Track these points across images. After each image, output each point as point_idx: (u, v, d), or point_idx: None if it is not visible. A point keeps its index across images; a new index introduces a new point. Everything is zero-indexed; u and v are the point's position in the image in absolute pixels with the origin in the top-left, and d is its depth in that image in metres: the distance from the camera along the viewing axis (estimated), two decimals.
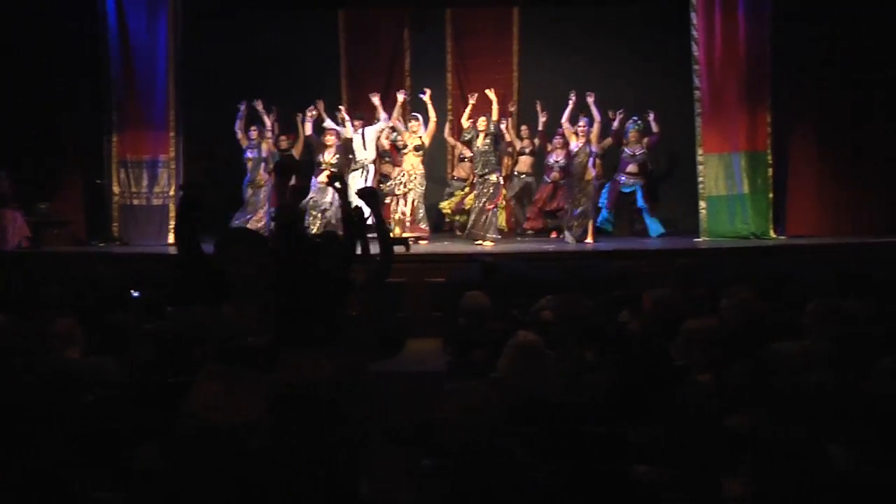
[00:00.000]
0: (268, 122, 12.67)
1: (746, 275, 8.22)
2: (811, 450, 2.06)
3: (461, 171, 13.54)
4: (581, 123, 12.37)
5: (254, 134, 12.63)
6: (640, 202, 13.26)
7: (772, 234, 12.55)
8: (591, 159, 12.34)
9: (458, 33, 14.53)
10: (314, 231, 11.41)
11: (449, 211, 13.47)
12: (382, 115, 12.53)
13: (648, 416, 3.74)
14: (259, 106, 12.60)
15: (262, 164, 12.64)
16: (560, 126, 12.68)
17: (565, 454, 3.62)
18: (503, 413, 3.19)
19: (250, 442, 2.68)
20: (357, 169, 12.45)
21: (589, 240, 12.29)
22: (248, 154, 12.68)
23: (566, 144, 12.59)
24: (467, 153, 13.16)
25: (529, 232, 13.44)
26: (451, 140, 13.55)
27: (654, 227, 13.19)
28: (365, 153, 12.51)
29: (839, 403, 3.60)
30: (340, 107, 13.05)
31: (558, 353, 5.03)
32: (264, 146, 12.66)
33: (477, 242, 12.14)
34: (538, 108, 13.25)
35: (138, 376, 4.74)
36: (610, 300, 7.23)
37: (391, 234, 11.67)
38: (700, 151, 12.67)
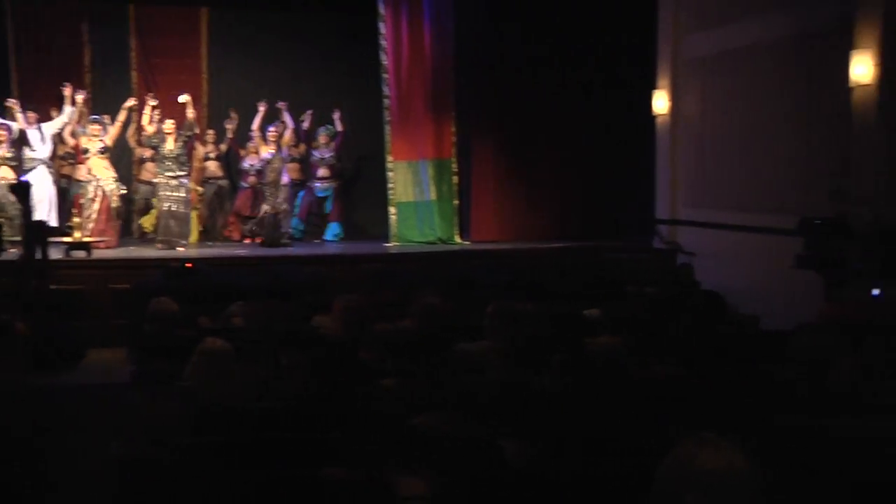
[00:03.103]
0: None
1: (434, 279, 8.57)
2: (488, 447, 2.17)
3: (145, 173, 12.93)
4: (271, 129, 12.42)
5: None
6: (329, 208, 13.40)
7: (457, 239, 13.09)
8: (284, 165, 12.49)
9: (143, 31, 13.88)
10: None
11: (149, 228, 12.77)
12: (67, 108, 11.77)
13: (339, 420, 3.78)
14: None
15: None
16: (252, 132, 12.71)
17: (255, 461, 3.58)
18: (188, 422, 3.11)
19: None
20: (33, 167, 11.57)
21: (288, 244, 12.27)
22: None
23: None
24: (147, 154, 12.67)
25: (227, 238, 13.19)
26: (131, 143, 12.91)
27: (332, 231, 13.38)
28: (43, 149, 11.69)
29: (515, 401, 3.83)
30: (11, 100, 12.06)
31: (249, 360, 4.97)
32: None
33: (167, 247, 11.70)
34: (232, 113, 13.03)
35: None
36: (302, 305, 7.26)
37: (71, 239, 11.03)
38: (389, 158, 13.00)
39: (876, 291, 7.43)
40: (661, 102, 12.24)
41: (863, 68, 8.43)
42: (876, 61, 8.37)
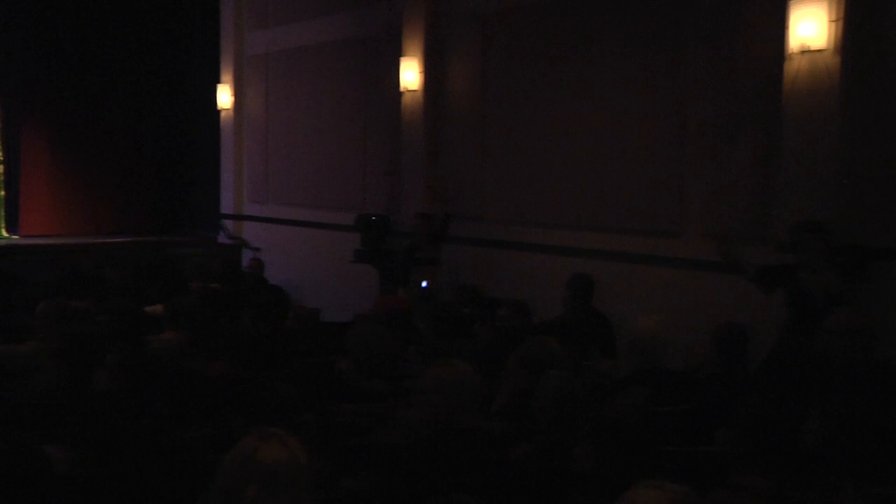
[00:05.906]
0: None
1: None
2: (30, 453, 2.03)
3: None
4: None
5: None
6: None
7: (3, 233, 12.23)
8: None
9: None
10: None
11: None
12: None
13: None
14: None
15: None
16: None
17: None
18: None
19: None
20: None
21: None
22: None
23: None
24: None
25: None
26: None
27: None
28: None
29: (65, 403, 3.62)
30: None
31: None
32: None
33: None
34: None
35: None
36: None
37: None
38: None
39: (424, 284, 8.01)
40: (224, 97, 12.19)
41: (411, 74, 9.04)
42: (420, 68, 9.01)
